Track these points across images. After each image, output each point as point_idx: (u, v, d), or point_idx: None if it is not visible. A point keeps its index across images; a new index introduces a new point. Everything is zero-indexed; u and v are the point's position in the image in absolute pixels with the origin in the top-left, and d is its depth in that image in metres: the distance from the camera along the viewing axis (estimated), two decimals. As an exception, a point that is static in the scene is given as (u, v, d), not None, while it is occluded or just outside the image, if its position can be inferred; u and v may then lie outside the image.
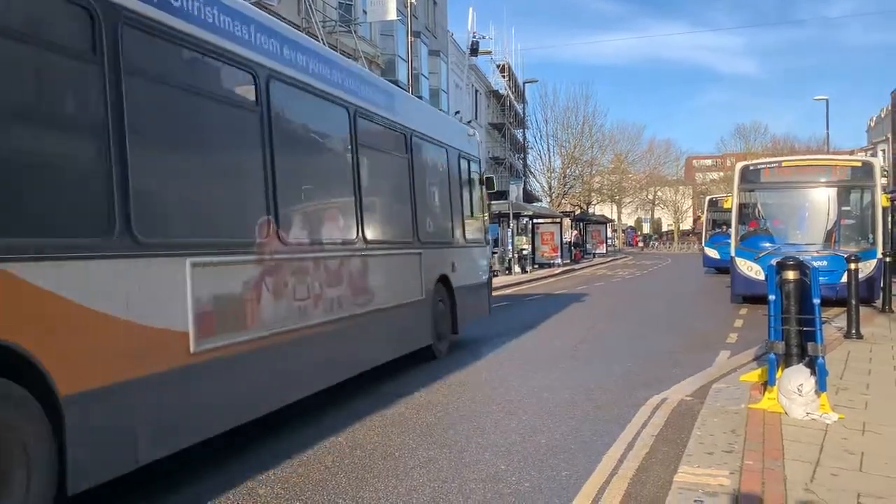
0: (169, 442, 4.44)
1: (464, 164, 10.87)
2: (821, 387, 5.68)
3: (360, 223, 7.21)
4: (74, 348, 3.73)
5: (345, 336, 6.72)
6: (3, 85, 3.52)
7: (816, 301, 5.90)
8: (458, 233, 10.40)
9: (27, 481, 3.45)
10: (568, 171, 52.57)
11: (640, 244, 72.07)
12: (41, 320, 3.54)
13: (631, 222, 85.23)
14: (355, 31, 23.80)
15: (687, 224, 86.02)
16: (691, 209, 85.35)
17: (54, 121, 3.95)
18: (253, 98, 5.56)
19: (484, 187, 11.62)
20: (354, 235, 7.11)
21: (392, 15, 23.31)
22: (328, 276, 6.45)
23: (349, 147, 7.21)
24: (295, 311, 5.82)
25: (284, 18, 19.09)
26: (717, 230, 27.15)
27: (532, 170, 53.43)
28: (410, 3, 23.58)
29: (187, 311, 4.51)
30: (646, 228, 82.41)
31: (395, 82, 28.75)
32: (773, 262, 6.35)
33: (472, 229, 11.07)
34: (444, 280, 9.50)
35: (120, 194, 4.06)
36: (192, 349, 4.53)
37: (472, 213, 11.15)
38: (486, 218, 12.47)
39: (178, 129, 4.86)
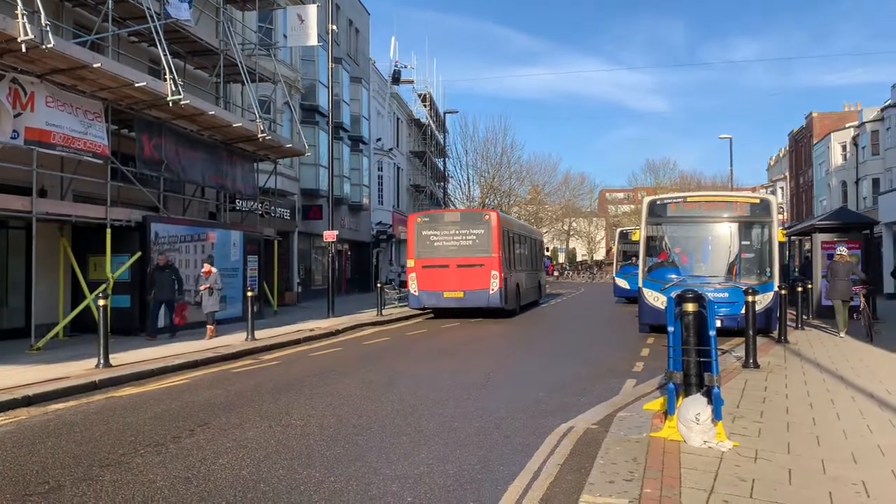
0: (527, 300, 26.20)
1: (539, 243, 32.01)
2: (716, 416, 5.89)
3: (533, 263, 28.86)
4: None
5: (529, 290, 26.63)
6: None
7: (712, 333, 6.15)
8: (539, 266, 30.54)
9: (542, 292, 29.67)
10: (487, 200, 53.40)
11: (556, 273, 73.53)
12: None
13: (547, 252, 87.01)
14: (275, 55, 23.59)
15: (600, 254, 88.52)
16: (604, 240, 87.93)
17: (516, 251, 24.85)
18: (521, 236, 26.11)
19: (545, 249, 38.94)
20: (526, 267, 26.48)
21: (313, 41, 23.15)
22: (526, 276, 26.07)
23: (518, 243, 25.05)
24: (529, 280, 26.85)
25: (202, 40, 18.78)
26: (628, 261, 27.90)
27: (452, 199, 54.00)
28: (332, 29, 23.59)
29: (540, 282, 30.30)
30: (561, 258, 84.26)
31: (316, 107, 28.69)
32: (673, 294, 6.56)
33: (542, 265, 32.46)
34: (539, 281, 29.75)
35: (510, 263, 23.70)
36: (523, 287, 24.93)
37: (542, 259, 32.66)
38: (543, 261, 34.84)
39: (515, 249, 24.42)
